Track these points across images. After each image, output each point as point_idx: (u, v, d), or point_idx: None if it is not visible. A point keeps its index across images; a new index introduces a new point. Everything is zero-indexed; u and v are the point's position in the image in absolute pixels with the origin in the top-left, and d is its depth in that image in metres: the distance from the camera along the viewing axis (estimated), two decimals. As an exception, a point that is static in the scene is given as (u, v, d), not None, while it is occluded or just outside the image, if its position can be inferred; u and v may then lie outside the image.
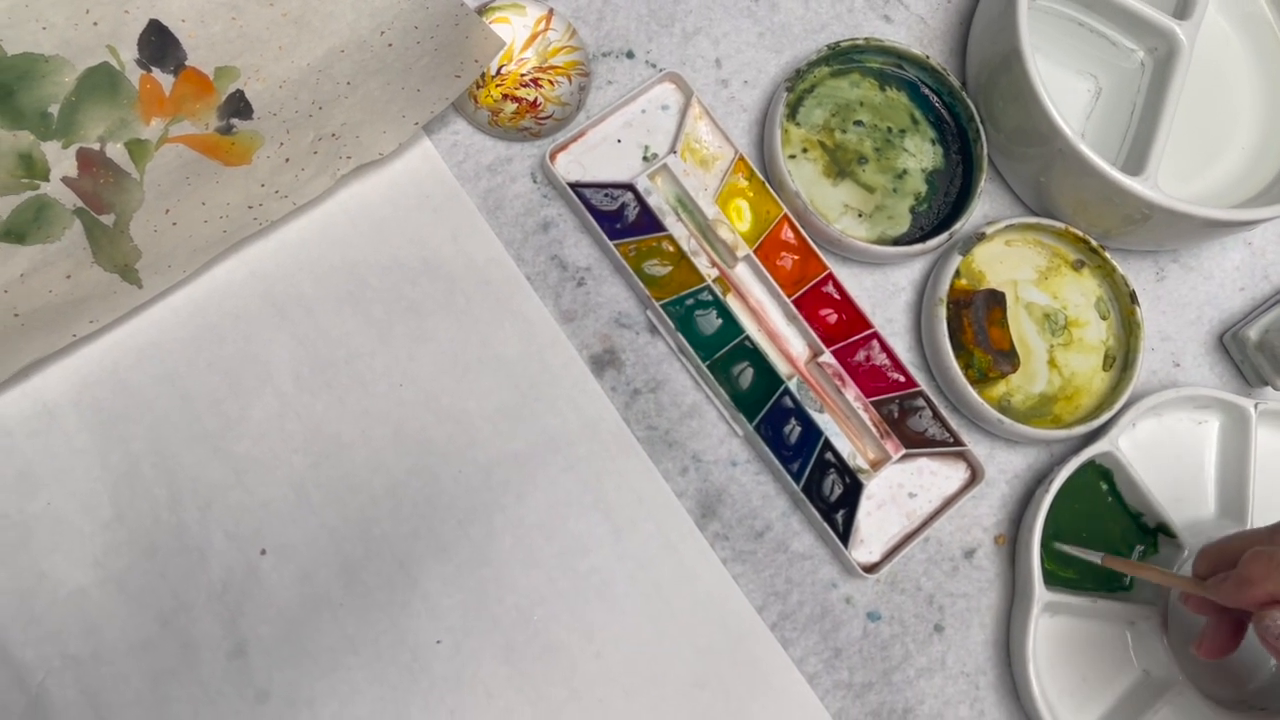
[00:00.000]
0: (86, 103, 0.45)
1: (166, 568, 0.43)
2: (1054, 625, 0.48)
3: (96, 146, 0.45)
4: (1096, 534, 0.50)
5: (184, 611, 0.43)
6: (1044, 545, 0.48)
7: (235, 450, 0.44)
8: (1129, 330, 0.51)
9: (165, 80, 0.46)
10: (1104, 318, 0.52)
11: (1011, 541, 0.50)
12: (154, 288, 0.44)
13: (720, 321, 0.49)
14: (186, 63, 0.47)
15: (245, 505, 0.44)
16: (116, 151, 0.45)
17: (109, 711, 0.41)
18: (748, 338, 0.49)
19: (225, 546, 0.43)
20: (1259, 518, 0.49)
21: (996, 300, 0.50)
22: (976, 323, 0.49)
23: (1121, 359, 0.51)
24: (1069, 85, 0.53)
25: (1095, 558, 0.46)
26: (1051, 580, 0.48)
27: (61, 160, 0.45)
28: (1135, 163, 0.49)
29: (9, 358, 0.42)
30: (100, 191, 0.45)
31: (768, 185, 0.50)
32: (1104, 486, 0.50)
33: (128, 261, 0.44)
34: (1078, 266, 0.52)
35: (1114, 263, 0.51)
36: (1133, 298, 0.51)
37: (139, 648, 0.42)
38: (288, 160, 0.46)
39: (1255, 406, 0.50)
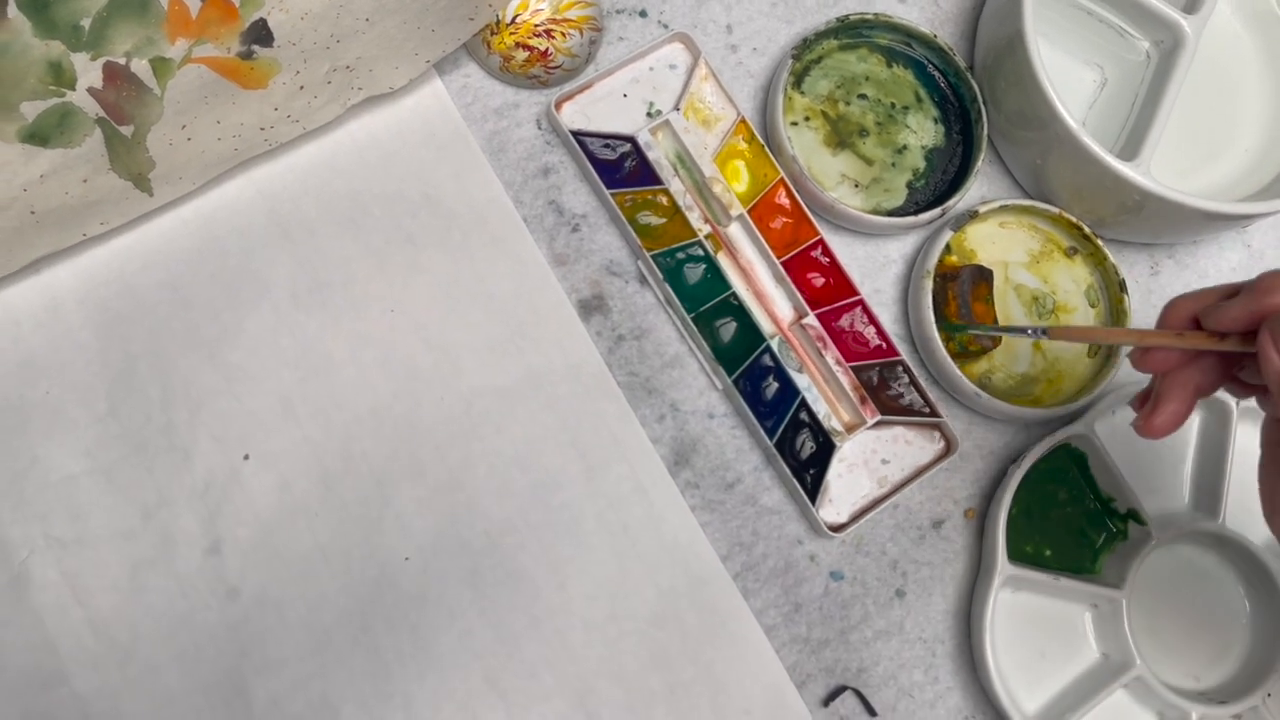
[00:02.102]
0: (117, 18, 0.47)
1: (153, 464, 0.45)
2: (1016, 600, 0.49)
3: (123, 61, 0.47)
4: (1066, 515, 0.50)
5: (166, 507, 0.44)
6: (1012, 522, 0.49)
7: (229, 359, 0.46)
8: (1116, 319, 0.52)
9: (193, 4, 0.48)
10: (1093, 305, 0.53)
11: (981, 516, 0.50)
12: (164, 197, 0.46)
13: (708, 276, 0.50)
14: (215, -11, 0.49)
15: (233, 412, 0.46)
16: (141, 67, 0.47)
17: (86, 594, 0.43)
18: (734, 294, 0.50)
19: (211, 449, 0.45)
20: (1232, 513, 0.49)
21: (983, 276, 0.50)
22: (961, 297, 0.50)
23: (1107, 346, 0.52)
24: (1075, 74, 0.54)
25: (1032, 330, 0.41)
26: (1017, 556, 0.48)
27: (89, 71, 0.47)
28: (1130, 150, 0.49)
29: (22, 250, 0.44)
30: (122, 103, 0.47)
31: (766, 149, 0.51)
32: (1077, 469, 0.50)
33: (142, 171, 0.46)
34: (1070, 253, 0.53)
35: (1106, 251, 0.52)
36: (1122, 286, 0.51)
37: (120, 537, 0.44)
38: (302, 88, 0.48)
39: (1237, 403, 0.50)
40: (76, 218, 0.45)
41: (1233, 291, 0.34)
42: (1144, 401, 0.38)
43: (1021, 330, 0.41)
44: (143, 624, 0.43)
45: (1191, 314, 0.35)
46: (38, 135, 0.46)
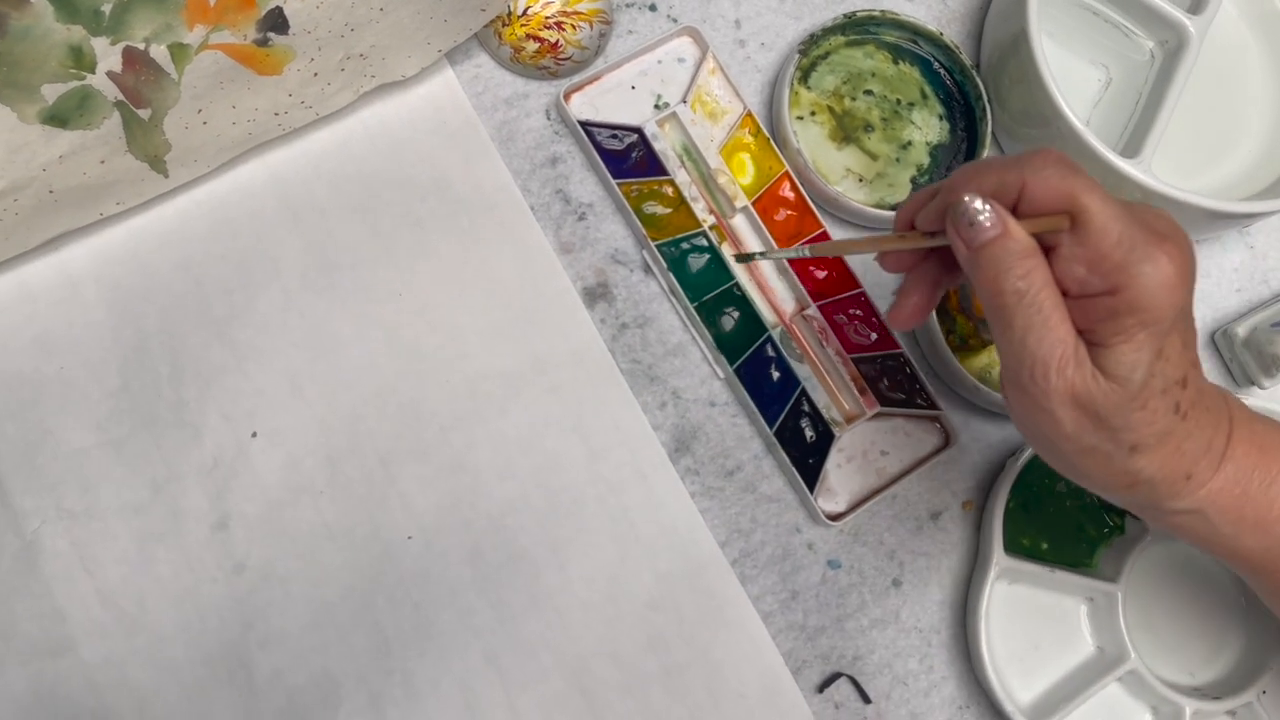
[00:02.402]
0: (137, 5, 0.48)
1: (163, 439, 0.46)
2: (1012, 592, 0.49)
3: (141, 46, 0.48)
4: (1064, 509, 0.50)
5: (175, 481, 0.45)
6: (1009, 514, 0.49)
7: (239, 338, 0.47)
8: (1117, 316, 0.52)
9: (211, -9, 0.49)
10: (1094, 303, 0.53)
11: (979, 508, 0.51)
12: (179, 179, 0.47)
13: (712, 266, 0.50)
14: (233, -23, 0.50)
15: (242, 389, 0.46)
16: (159, 52, 0.48)
17: (95, 565, 0.44)
18: (737, 284, 0.50)
19: (219, 425, 0.46)
20: (1229, 509, 0.49)
21: (984, 271, 0.51)
22: (962, 290, 0.50)
23: (1107, 344, 0.52)
24: (1081, 74, 0.54)
25: (802, 248, 0.43)
26: (1013, 548, 0.49)
27: (108, 56, 0.48)
28: (1133, 148, 0.50)
29: (40, 229, 0.45)
30: (140, 87, 0.48)
31: (772, 142, 0.52)
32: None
33: (158, 153, 0.47)
34: (1073, 250, 0.53)
35: (1107, 248, 0.52)
36: (1123, 284, 0.52)
37: (130, 510, 0.45)
38: (316, 74, 0.49)
39: (1236, 400, 0.50)
40: (93, 198, 0.46)
41: (935, 192, 0.37)
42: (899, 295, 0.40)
43: (793, 253, 0.43)
44: (150, 595, 0.44)
45: (910, 218, 0.38)
46: (58, 117, 0.47)
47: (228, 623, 0.44)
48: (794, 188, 0.52)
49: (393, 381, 0.48)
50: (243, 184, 0.48)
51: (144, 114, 0.48)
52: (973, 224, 0.33)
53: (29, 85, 0.47)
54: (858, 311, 0.51)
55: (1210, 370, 0.54)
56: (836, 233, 0.52)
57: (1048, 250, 0.33)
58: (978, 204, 0.33)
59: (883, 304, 0.52)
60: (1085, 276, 0.33)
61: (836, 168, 0.53)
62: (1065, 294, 0.33)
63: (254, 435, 0.46)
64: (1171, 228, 0.34)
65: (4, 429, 0.45)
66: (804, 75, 0.53)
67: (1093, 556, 0.50)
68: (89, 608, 0.44)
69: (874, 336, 0.51)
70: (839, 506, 0.49)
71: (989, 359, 0.52)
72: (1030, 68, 0.49)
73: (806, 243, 0.46)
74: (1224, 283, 0.55)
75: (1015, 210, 0.34)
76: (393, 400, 0.47)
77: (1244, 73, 0.55)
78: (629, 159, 0.51)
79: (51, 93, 0.47)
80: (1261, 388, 0.52)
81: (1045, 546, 0.50)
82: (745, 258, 0.46)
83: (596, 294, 0.50)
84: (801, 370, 0.50)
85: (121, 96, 0.48)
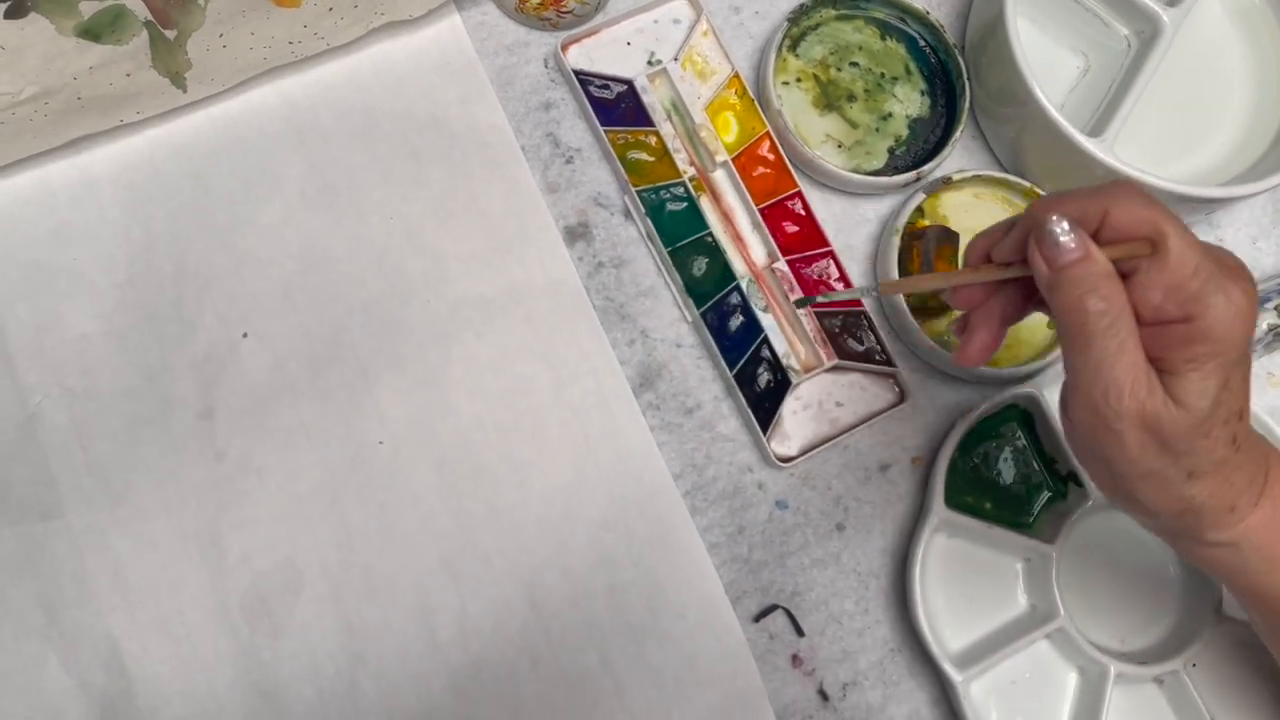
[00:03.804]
0: (172, -66, 0.52)
1: (161, 332, 0.49)
2: (951, 545, 0.51)
3: (173, -28, 0.52)
4: (1010, 471, 0.52)
5: (168, 372, 0.49)
6: (955, 471, 0.51)
7: (239, 245, 0.50)
8: (1078, 293, 0.54)
9: (241, -74, 0.53)
10: (1058, 280, 0.55)
11: (927, 465, 0.53)
12: (196, 94, 0.50)
13: (688, 215, 0.53)
14: (262, -85, 0.53)
15: (237, 293, 0.50)
16: (189, -21, 0.52)
17: (89, 441, 0.48)
18: (710, 234, 0.53)
19: (214, 324, 0.49)
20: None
21: (948, 238, 0.53)
22: (925, 254, 0.52)
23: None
24: (1059, 60, 0.56)
25: (869, 288, 0.45)
26: (955, 504, 0.51)
27: (142, -21, 0.52)
28: (1098, 129, 0.51)
29: (65, 130, 0.49)
30: (169, 10, 0.52)
31: (756, 103, 0.55)
32: (1023, 429, 0.53)
33: (179, 70, 0.51)
34: (1041, 228, 0.55)
35: (1073, 227, 0.54)
36: (1085, 262, 0.53)
37: (124, 394, 0.48)
38: (331, 9, 0.52)
39: (1186, 381, 0.52)
40: (116, 106, 0.50)
41: (1011, 225, 0.37)
42: (962, 331, 0.41)
43: (861, 291, 0.46)
44: (136, 473, 0.48)
45: (985, 250, 0.39)
46: (91, 31, 0.51)
47: (205, 504, 0.48)
48: (773, 148, 0.54)
49: (378, 298, 0.51)
50: (254, 105, 0.52)
51: (170, 34, 0.51)
52: (1057, 245, 0.34)
53: (68, 1, 0.51)
54: (826, 268, 0.53)
55: (1169, 355, 0.56)
56: (811, 194, 0.54)
57: (1124, 277, 0.34)
58: (1064, 225, 0.34)
59: (850, 263, 0.54)
60: (1161, 303, 0.34)
61: (817, 133, 0.55)
62: (1140, 321, 0.34)
63: (245, 335, 0.50)
64: (1240, 265, 0.35)
65: (17, 310, 0.48)
66: (793, 44, 0.56)
67: (1034, 519, 0.52)
68: (79, 478, 0.47)
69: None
70: (790, 450, 0.52)
71: (947, 323, 0.54)
72: (1006, 48, 0.51)
73: (876, 285, 0.45)
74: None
75: (1095, 238, 0.35)
76: (377, 315, 0.51)
77: (1223, 66, 0.57)
78: (618, 109, 0.54)
79: (87, 9, 0.51)
80: (1214, 372, 0.54)
81: (988, 505, 0.52)
82: (804, 302, 0.49)
83: (577, 233, 0.53)
84: (766, 319, 0.52)
85: (151, 17, 0.52)
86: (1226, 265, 0.34)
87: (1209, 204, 0.52)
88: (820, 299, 0.46)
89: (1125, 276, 0.34)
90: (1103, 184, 0.35)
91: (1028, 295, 0.39)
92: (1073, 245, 0.34)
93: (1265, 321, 0.51)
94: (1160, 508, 0.36)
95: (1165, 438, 0.34)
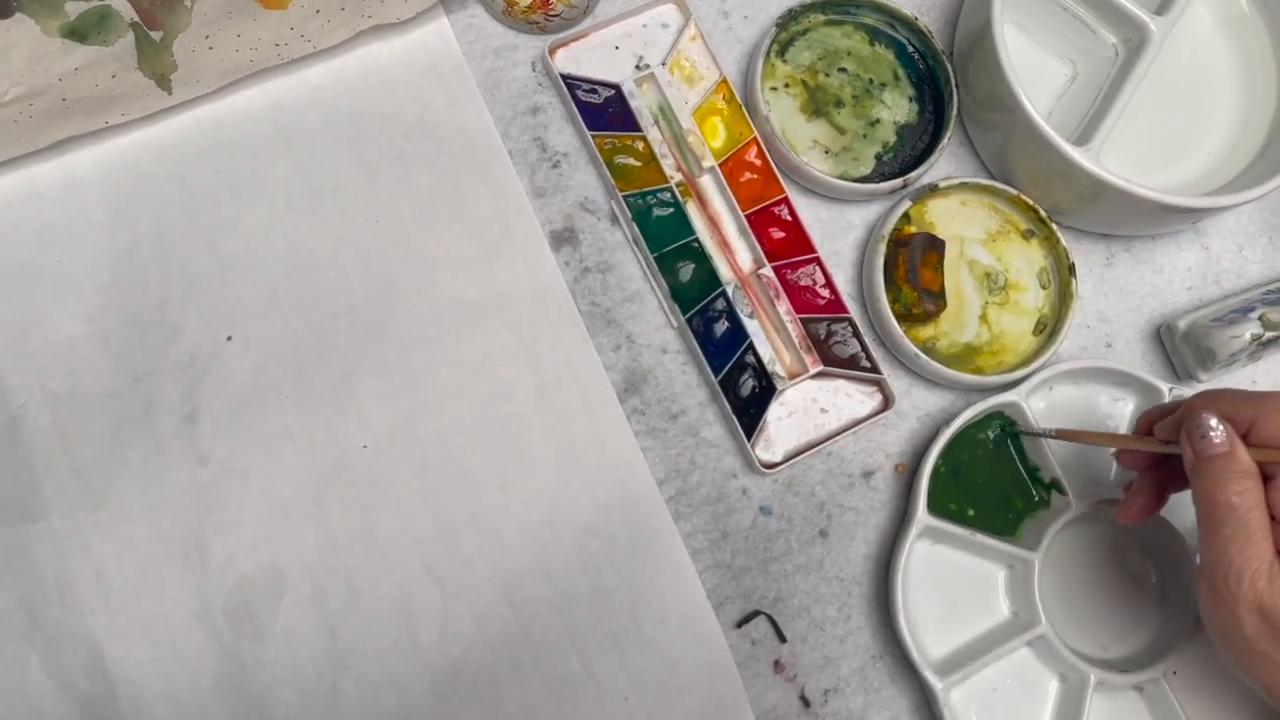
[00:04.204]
0: (159, -65, 0.52)
1: (145, 335, 0.49)
2: (934, 552, 0.51)
3: (160, -27, 0.52)
4: (993, 479, 0.52)
5: (152, 374, 0.49)
6: (938, 479, 0.51)
7: (224, 247, 0.50)
8: (1064, 300, 0.54)
9: (228, -73, 0.53)
10: (1044, 287, 0.55)
11: (911, 472, 0.53)
12: (181, 96, 0.50)
13: (675, 221, 0.53)
14: (250, -84, 0.53)
15: (222, 296, 0.50)
16: (176, -20, 0.52)
17: (72, 444, 0.48)
18: (696, 239, 0.53)
19: (198, 326, 0.49)
20: (1153, 493, 0.51)
21: (935, 246, 0.53)
22: (910, 261, 0.52)
23: (1052, 327, 0.54)
24: (1047, 67, 0.56)
25: (1049, 431, 0.49)
26: (939, 511, 0.51)
27: (128, -21, 0.52)
28: (1084, 138, 0.51)
29: (50, 132, 0.49)
30: (155, 11, 0.52)
31: (744, 109, 0.55)
32: (1008, 437, 0.53)
33: (165, 72, 0.51)
34: (1028, 235, 0.55)
35: (1059, 235, 0.54)
36: (1071, 270, 0.54)
37: (109, 396, 0.48)
38: (318, 11, 0.52)
39: (1169, 390, 0.52)
40: (102, 107, 0.50)
41: (1175, 407, 0.42)
42: (1128, 488, 0.46)
43: (1041, 432, 0.50)
44: (119, 476, 0.48)
45: (1151, 422, 0.44)
46: (77, 32, 0.51)
47: (188, 508, 0.48)
48: (760, 154, 0.54)
49: (363, 302, 0.51)
50: (241, 107, 0.52)
51: (156, 35, 0.51)
52: (1205, 437, 0.39)
53: (53, 1, 0.51)
54: (811, 274, 0.53)
55: (1154, 364, 0.56)
56: (798, 200, 0.54)
57: (1267, 476, 0.38)
58: (1213, 421, 0.39)
59: (836, 270, 0.54)
60: None
61: (804, 138, 0.55)
62: (1273, 518, 0.38)
63: (229, 338, 0.50)
64: None
65: (1, 312, 0.48)
66: (781, 49, 0.56)
67: (1017, 527, 0.52)
68: (62, 480, 0.47)
69: (824, 299, 0.53)
70: (775, 457, 0.52)
71: (934, 331, 0.54)
72: (993, 56, 0.51)
73: (1054, 429, 0.49)
74: (1175, 280, 0.57)
75: (1245, 438, 0.39)
76: (362, 319, 0.51)
77: (1212, 75, 0.57)
78: (606, 113, 0.54)
79: (74, 9, 0.51)
80: (1199, 380, 0.54)
81: (972, 513, 0.52)
82: (1020, 433, 0.52)
83: (563, 238, 0.53)
84: (751, 325, 0.52)
85: (137, 18, 0.51)
86: None
87: (1195, 213, 0.52)
88: (1031, 433, 0.50)
89: (1269, 478, 0.38)
90: (1262, 393, 0.39)
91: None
92: (1218, 440, 0.38)
93: (1248, 331, 0.51)
94: (1270, 684, 0.38)
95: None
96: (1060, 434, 0.49)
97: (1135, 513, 0.44)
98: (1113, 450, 0.46)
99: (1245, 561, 0.37)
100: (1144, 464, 0.45)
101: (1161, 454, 0.44)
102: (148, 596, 0.47)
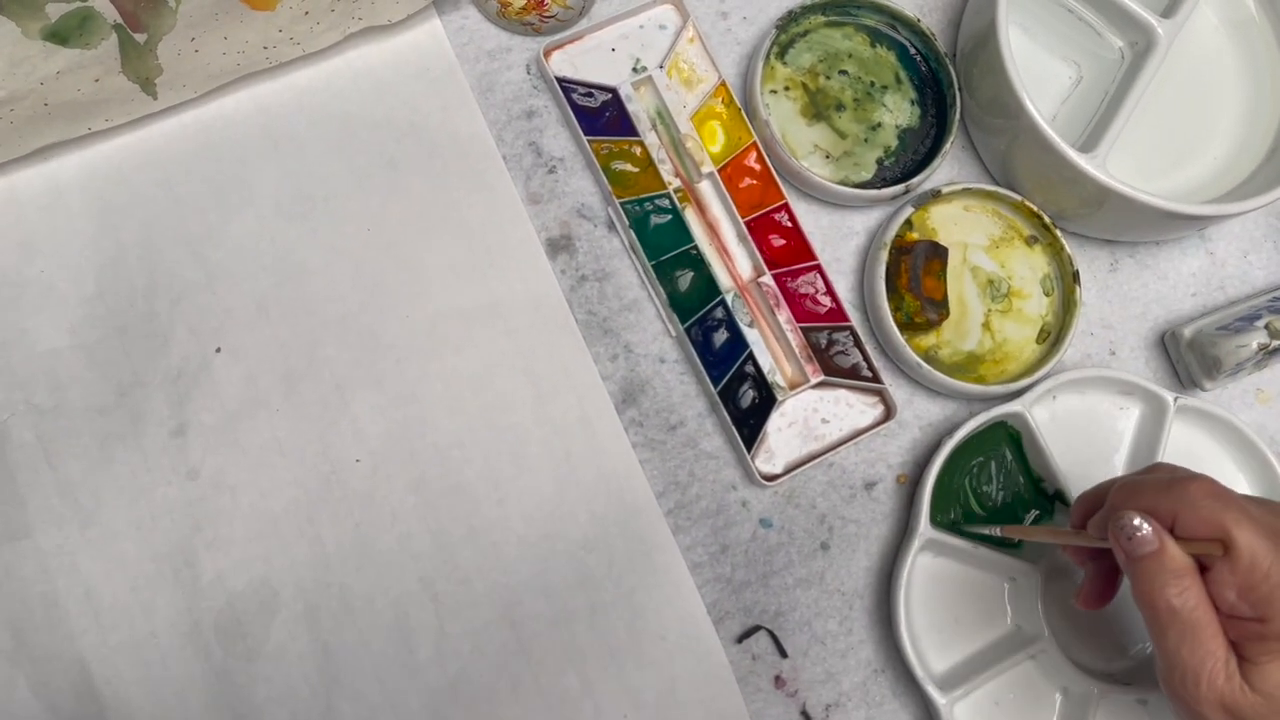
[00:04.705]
0: (142, -66, 0.51)
1: (132, 347, 0.48)
2: (936, 565, 0.51)
3: (144, -27, 0.51)
4: (997, 490, 0.52)
5: (140, 387, 0.48)
6: (941, 490, 0.50)
7: (211, 257, 0.49)
8: (1068, 308, 0.53)
9: (214, -74, 0.51)
10: (1048, 294, 0.54)
11: (913, 483, 0.52)
12: (167, 101, 0.49)
13: (673, 228, 0.52)
14: (236, -86, 0.52)
15: (211, 306, 0.49)
16: (160, -20, 0.51)
17: (58, 459, 0.47)
18: (695, 247, 0.52)
19: (186, 338, 0.48)
20: (1157, 504, 0.51)
21: (938, 253, 0.52)
22: (913, 269, 0.52)
23: (1055, 335, 0.53)
24: (1051, 70, 0.55)
25: (994, 530, 0.47)
26: (941, 523, 0.50)
27: (111, -20, 0.50)
28: (1090, 145, 0.51)
29: (33, 138, 0.48)
30: (139, 12, 0.50)
31: (743, 113, 0.53)
32: (1011, 447, 0.52)
33: (149, 76, 0.49)
34: (1031, 242, 0.54)
35: (1063, 241, 0.53)
36: (1075, 277, 0.53)
37: (95, 411, 0.47)
38: (307, 13, 0.51)
39: (1175, 400, 0.52)
40: (85, 113, 0.48)
41: (1102, 499, 0.40)
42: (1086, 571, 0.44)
43: (984, 536, 0.49)
44: (106, 492, 0.47)
45: (1082, 520, 0.42)
46: (58, 34, 0.49)
47: (178, 524, 0.47)
48: (760, 159, 0.53)
49: (355, 311, 0.50)
50: (228, 112, 0.51)
51: (140, 38, 0.50)
52: (1131, 539, 0.36)
53: (33, 2, 0.49)
54: (812, 282, 0.52)
55: (1158, 371, 0.55)
56: (799, 206, 0.53)
57: (1204, 567, 0.36)
58: (1136, 520, 0.36)
59: (837, 277, 0.53)
60: (1235, 601, 0.35)
61: (805, 143, 0.54)
62: (1218, 610, 0.36)
63: (218, 350, 0.48)
64: None
65: (-17, 324, 0.47)
66: (781, 51, 0.55)
67: (1020, 540, 0.51)
68: (48, 497, 0.46)
69: (825, 308, 0.52)
70: (775, 468, 0.51)
71: (936, 339, 0.53)
72: (997, 59, 0.50)
73: (998, 529, 0.47)
74: (1180, 286, 0.56)
75: (1172, 531, 0.36)
76: (353, 329, 0.49)
77: (1218, 79, 0.56)
78: (602, 118, 0.53)
79: (55, 11, 0.50)
80: (1203, 389, 0.53)
81: (975, 525, 0.51)
82: (975, 536, 0.50)
83: (559, 245, 0.52)
84: (751, 335, 0.51)
85: (120, 20, 0.50)
86: None
87: (1201, 221, 0.51)
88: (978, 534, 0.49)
89: (1205, 569, 0.36)
90: (1176, 479, 0.37)
91: None
92: (1146, 539, 0.36)
93: (1255, 341, 0.51)
94: None
95: None
96: (1006, 531, 0.46)
97: (1093, 601, 0.43)
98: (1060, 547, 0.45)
99: (1199, 662, 0.35)
100: (1087, 555, 0.43)
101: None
102: (137, 615, 0.46)
